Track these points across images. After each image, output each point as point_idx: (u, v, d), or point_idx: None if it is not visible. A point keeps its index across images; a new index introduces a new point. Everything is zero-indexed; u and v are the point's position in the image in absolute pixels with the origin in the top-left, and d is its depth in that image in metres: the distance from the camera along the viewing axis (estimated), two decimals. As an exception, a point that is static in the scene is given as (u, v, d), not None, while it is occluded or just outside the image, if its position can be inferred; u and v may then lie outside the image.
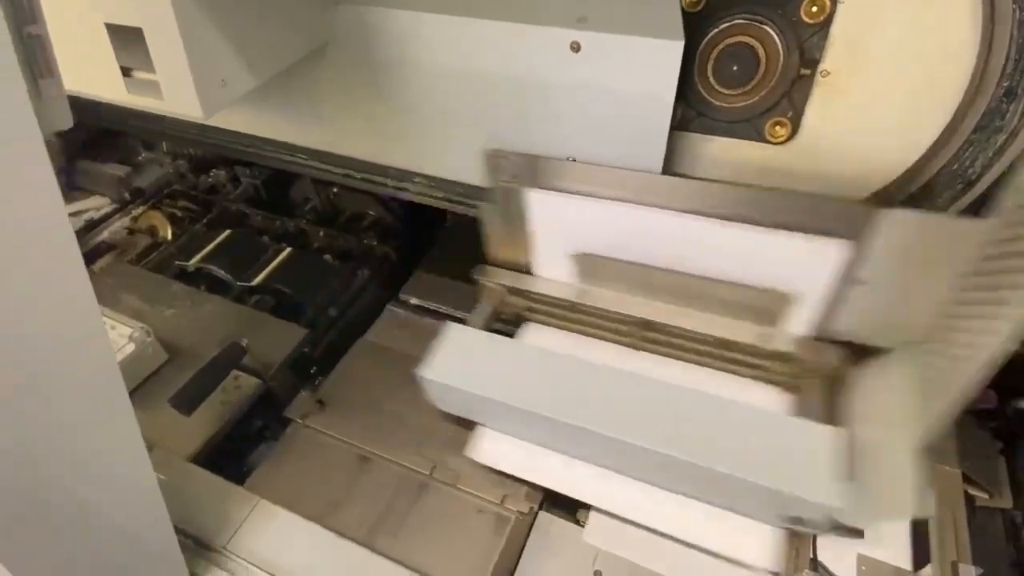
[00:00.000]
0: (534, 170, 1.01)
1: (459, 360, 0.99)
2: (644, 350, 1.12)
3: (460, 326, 1.06)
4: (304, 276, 1.56)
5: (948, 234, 0.80)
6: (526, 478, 1.04)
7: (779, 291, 0.94)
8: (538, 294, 1.18)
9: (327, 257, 1.63)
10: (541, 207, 1.05)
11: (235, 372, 1.20)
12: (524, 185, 1.03)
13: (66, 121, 0.62)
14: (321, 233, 1.68)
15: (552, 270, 1.16)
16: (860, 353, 0.94)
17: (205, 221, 1.72)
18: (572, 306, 1.15)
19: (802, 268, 0.90)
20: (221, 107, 0.88)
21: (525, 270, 1.20)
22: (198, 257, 1.59)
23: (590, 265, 1.10)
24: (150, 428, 1.14)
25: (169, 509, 0.84)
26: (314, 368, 1.36)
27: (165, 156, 1.94)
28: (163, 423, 1.13)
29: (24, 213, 0.55)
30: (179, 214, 1.79)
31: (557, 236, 1.09)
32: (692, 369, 1.09)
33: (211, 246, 1.63)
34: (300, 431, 1.19)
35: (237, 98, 0.93)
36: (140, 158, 1.97)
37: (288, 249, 1.61)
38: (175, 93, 0.83)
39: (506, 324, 1.26)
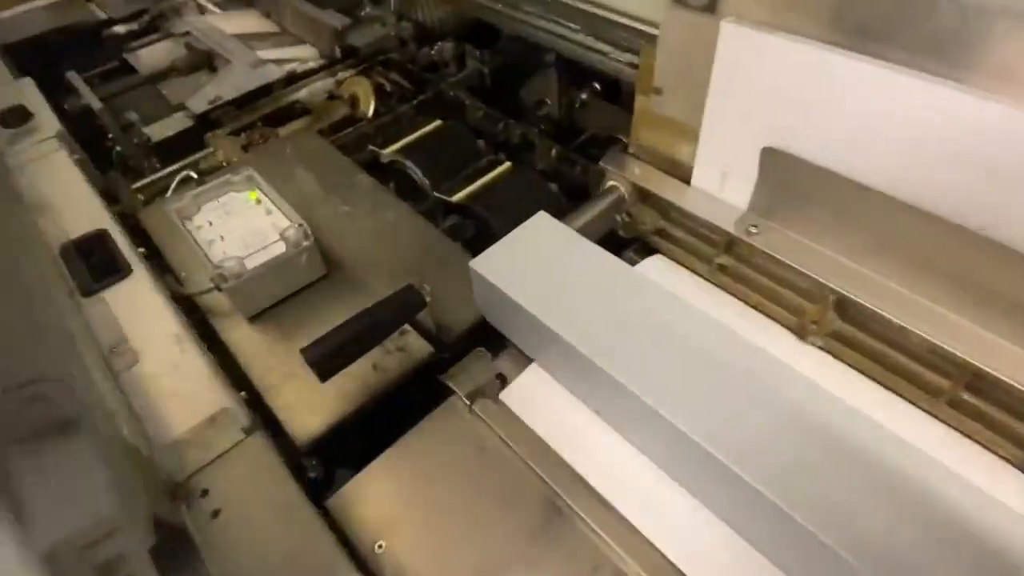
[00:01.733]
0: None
1: (524, 257, 0.73)
2: (818, 346, 0.72)
3: (549, 217, 0.78)
4: (518, 205, 1.11)
5: None
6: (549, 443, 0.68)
7: None
8: (681, 210, 0.79)
9: (553, 187, 1.16)
10: (733, 52, 0.64)
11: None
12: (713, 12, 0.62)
13: None
14: (553, 152, 1.21)
15: (716, 180, 0.77)
16: None
17: (415, 102, 1.33)
18: (729, 243, 0.76)
19: None
20: None
21: (674, 172, 0.82)
22: (396, 146, 1.21)
23: (783, 177, 0.69)
24: (270, 379, 0.76)
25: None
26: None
27: (391, 15, 1.59)
28: (287, 374, 0.77)
29: None
30: (388, 87, 1.42)
31: (746, 112, 0.68)
32: (887, 402, 0.66)
33: (414, 136, 1.24)
34: (465, 420, 0.76)
35: None
36: (363, 12, 1.63)
37: (507, 164, 1.17)
38: None
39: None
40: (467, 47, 1.47)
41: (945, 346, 0.60)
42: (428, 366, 0.80)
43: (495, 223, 1.07)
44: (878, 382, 0.67)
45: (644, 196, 0.82)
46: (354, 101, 1.39)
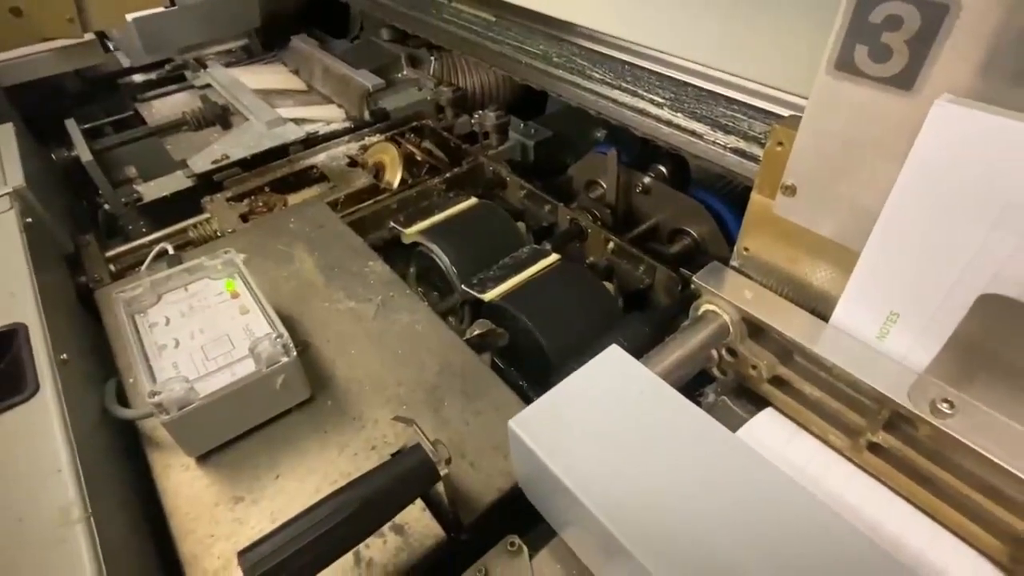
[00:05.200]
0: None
1: (583, 415, 0.51)
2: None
3: (622, 355, 0.56)
4: (566, 309, 0.89)
5: None
6: None
7: None
8: (814, 356, 0.56)
9: (609, 287, 0.94)
10: (946, 145, 0.42)
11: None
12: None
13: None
14: (610, 245, 1.00)
15: (875, 321, 0.53)
16: None
17: (448, 176, 1.14)
18: (894, 418, 0.52)
19: None
20: None
21: (803, 300, 0.59)
22: (422, 225, 1.02)
23: (1005, 335, 0.45)
24: (206, 561, 0.51)
25: None
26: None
27: (429, 79, 1.44)
28: (233, 552, 0.53)
29: None
30: (418, 157, 1.25)
31: (953, 233, 0.45)
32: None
33: (444, 214, 1.04)
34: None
35: None
36: (400, 75, 1.49)
37: (553, 256, 0.96)
38: None
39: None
40: (511, 118, 1.30)
41: None
42: (437, 559, 0.55)
43: (535, 331, 0.84)
44: None
45: (756, 330, 0.59)
46: (379, 170, 1.21)
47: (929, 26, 0.39)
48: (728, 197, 1.05)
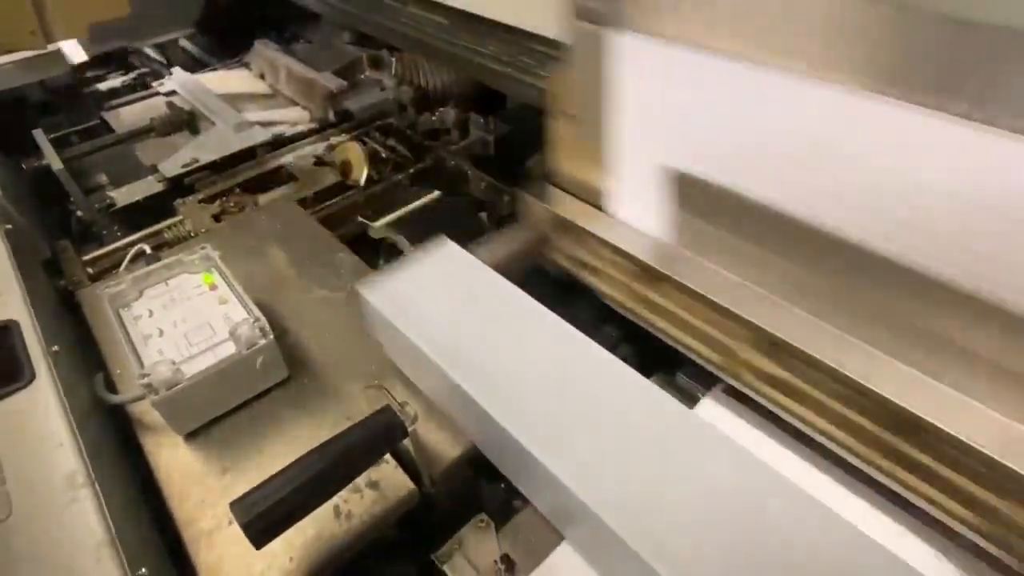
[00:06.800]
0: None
1: (419, 286, 0.69)
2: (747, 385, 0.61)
3: (454, 247, 0.74)
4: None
5: None
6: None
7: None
8: (596, 237, 0.73)
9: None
10: (633, 68, 0.60)
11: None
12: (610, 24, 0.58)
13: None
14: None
15: (638, 207, 0.71)
16: None
17: (412, 171, 1.20)
18: (648, 273, 0.68)
19: None
20: None
21: (597, 203, 0.77)
22: (389, 219, 1.08)
23: (695, 202, 0.62)
24: (200, 523, 0.58)
25: None
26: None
27: (391, 79, 1.49)
28: (223, 516, 0.59)
29: None
30: (383, 154, 1.30)
31: (651, 133, 0.63)
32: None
33: (409, 208, 1.10)
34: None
35: None
36: (363, 76, 1.54)
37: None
38: None
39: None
40: (471, 114, 1.37)
41: (870, 387, 0.51)
42: (409, 510, 0.62)
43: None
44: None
45: (561, 224, 0.77)
46: (345, 168, 1.26)
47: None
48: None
